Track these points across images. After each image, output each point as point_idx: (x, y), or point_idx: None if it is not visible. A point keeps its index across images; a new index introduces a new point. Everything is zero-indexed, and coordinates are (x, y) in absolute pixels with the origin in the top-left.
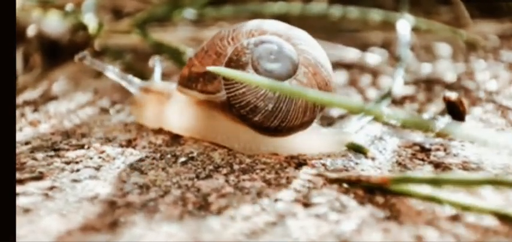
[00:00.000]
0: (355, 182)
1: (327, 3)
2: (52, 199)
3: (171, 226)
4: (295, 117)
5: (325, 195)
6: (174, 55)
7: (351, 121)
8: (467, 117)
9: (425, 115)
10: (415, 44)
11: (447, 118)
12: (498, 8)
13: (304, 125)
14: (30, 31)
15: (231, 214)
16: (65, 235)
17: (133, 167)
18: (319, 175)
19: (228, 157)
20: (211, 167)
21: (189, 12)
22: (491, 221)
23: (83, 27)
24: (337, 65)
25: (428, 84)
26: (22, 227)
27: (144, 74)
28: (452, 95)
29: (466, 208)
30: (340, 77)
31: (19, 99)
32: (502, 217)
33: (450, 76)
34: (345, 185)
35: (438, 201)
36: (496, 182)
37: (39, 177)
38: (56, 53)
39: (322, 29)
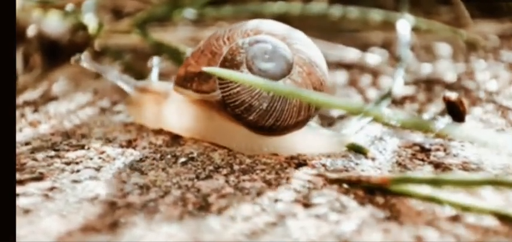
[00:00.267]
0: (355, 183)
1: (327, 3)
2: (52, 200)
3: (171, 227)
4: (289, 116)
5: (325, 195)
6: (174, 55)
7: (351, 122)
8: (467, 117)
9: (426, 116)
10: (415, 44)
11: (447, 119)
12: (498, 8)
13: (299, 124)
14: (30, 31)
15: (231, 215)
16: (65, 235)
17: (133, 167)
18: (319, 175)
19: (228, 157)
20: (211, 167)
21: (189, 12)
22: (491, 222)
23: (83, 27)
24: (337, 65)
25: (429, 84)
26: (22, 227)
27: (144, 74)
28: (453, 95)
29: (466, 209)
30: (340, 77)
31: (19, 100)
32: (502, 218)
33: (450, 77)
34: (345, 185)
35: (438, 201)
36: (496, 183)
37: (39, 178)
38: (56, 53)
39: (322, 29)
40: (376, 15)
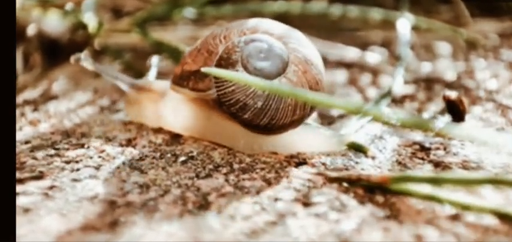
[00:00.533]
0: (355, 182)
1: (327, 2)
2: (52, 199)
3: (171, 226)
4: (285, 115)
5: (325, 194)
6: (174, 54)
7: (351, 121)
8: (467, 116)
9: (426, 114)
10: (415, 43)
11: (447, 117)
12: (498, 7)
13: (294, 123)
14: (30, 30)
15: (231, 214)
16: (65, 234)
17: (133, 166)
18: (319, 174)
19: (227, 156)
20: (211, 166)
21: (189, 11)
22: (491, 221)
23: (83, 27)
24: (337, 64)
25: (428, 83)
26: (22, 226)
27: (144, 73)
28: (452, 94)
29: (466, 207)
30: (340, 76)
31: (19, 99)
32: (502, 216)
33: (450, 75)
34: (345, 184)
35: (438, 200)
36: (496, 182)
37: (39, 176)
38: (55, 52)
39: (322, 28)
40: (376, 14)
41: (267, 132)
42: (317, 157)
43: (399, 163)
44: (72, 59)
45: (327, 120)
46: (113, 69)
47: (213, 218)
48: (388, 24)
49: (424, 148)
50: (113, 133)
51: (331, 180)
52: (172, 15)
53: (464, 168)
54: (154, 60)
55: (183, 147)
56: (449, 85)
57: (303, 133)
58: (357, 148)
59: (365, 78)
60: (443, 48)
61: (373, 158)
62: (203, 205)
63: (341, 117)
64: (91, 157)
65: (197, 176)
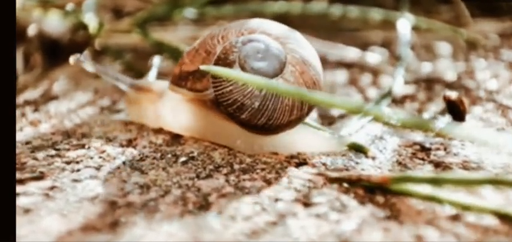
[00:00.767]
0: (355, 182)
1: (327, 3)
2: (52, 199)
3: (171, 226)
4: (282, 115)
5: (326, 195)
6: (174, 54)
7: (352, 121)
8: (467, 116)
9: (426, 115)
10: (415, 43)
11: (447, 118)
12: (498, 7)
13: (292, 123)
14: (31, 31)
15: (231, 214)
16: (65, 235)
17: (133, 167)
18: (319, 174)
19: (228, 156)
20: (211, 167)
21: (190, 12)
22: (491, 221)
23: (84, 27)
24: (337, 64)
25: (429, 83)
26: (22, 227)
27: (144, 73)
28: (453, 94)
29: (466, 208)
30: (341, 76)
31: (19, 99)
32: (502, 217)
33: (450, 76)
34: (345, 184)
35: (438, 201)
36: (496, 182)
37: (40, 177)
38: (56, 52)
39: (323, 28)
40: (376, 14)
41: (265, 132)
42: (317, 157)
43: (399, 163)
44: (71, 59)
45: (328, 120)
46: (112, 69)
47: (214, 219)
48: (389, 25)
49: (424, 149)
50: (114, 133)
51: (332, 180)
52: (173, 16)
53: (465, 168)
54: (156, 61)
55: (184, 147)
56: (450, 86)
57: (303, 134)
58: (358, 149)
59: (365, 78)
60: (444, 48)
61: (373, 158)
62: (204, 206)
63: (341, 117)
64: (91, 158)
65: (198, 176)
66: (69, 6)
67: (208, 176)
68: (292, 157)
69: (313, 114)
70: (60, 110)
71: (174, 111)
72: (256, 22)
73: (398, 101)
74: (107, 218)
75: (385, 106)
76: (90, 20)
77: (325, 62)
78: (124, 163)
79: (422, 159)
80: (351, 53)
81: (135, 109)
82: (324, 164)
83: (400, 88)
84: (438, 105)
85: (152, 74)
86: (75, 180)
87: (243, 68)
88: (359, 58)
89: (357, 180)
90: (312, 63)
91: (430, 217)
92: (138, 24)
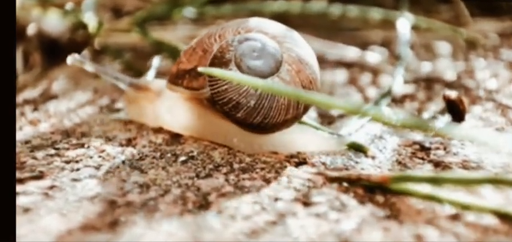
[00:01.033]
0: (355, 181)
1: (327, 2)
2: (52, 199)
3: (171, 225)
4: (278, 114)
5: (325, 194)
6: (174, 54)
7: (351, 120)
8: (467, 116)
9: (426, 114)
10: (415, 43)
11: (447, 117)
12: (498, 7)
13: (288, 122)
14: (30, 30)
15: (231, 213)
16: (65, 234)
17: (133, 166)
18: (319, 174)
19: (228, 156)
20: (211, 166)
21: (189, 11)
22: (491, 220)
23: (83, 26)
24: (337, 64)
25: (428, 82)
26: (22, 226)
27: (144, 73)
28: (452, 94)
29: (466, 207)
30: (340, 76)
31: (19, 98)
32: (502, 216)
33: (450, 75)
34: (345, 184)
35: (438, 200)
36: (496, 181)
37: (39, 176)
38: (55, 51)
39: (322, 27)
40: (375, 13)
41: (260, 130)
42: (317, 156)
43: (399, 163)
44: (69, 59)
45: (327, 119)
46: (110, 68)
47: (213, 218)
48: (388, 24)
49: (424, 148)
50: (113, 132)
51: (331, 180)
52: (172, 15)
53: (464, 167)
54: (155, 62)
55: (183, 146)
56: (449, 85)
57: (303, 133)
58: (357, 148)
59: (365, 78)
60: (443, 47)
61: (373, 158)
62: (203, 205)
63: (341, 116)
64: (91, 157)
65: (197, 176)
66: (69, 6)
67: (208, 175)
68: (291, 156)
69: (313, 114)
70: (59, 109)
71: (171, 109)
72: (253, 21)
73: (398, 100)
74: (106, 217)
75: (385, 106)
76: (90, 19)
77: (324, 61)
78: (123, 162)
79: (422, 159)
80: (351, 53)
81: (134, 108)
82: (323, 163)
83: (400, 87)
84: (438, 104)
85: (151, 74)
86: (75, 179)
87: (239, 67)
88: (359, 57)
89: (357, 180)
90: (309, 62)
91: (430, 216)
92: (137, 23)
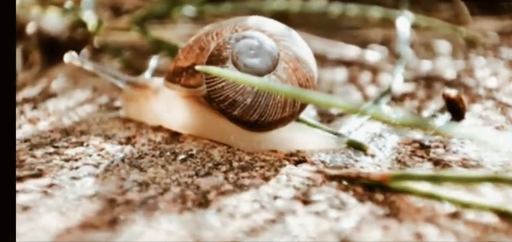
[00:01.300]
0: (354, 180)
1: (327, 1)
2: (51, 197)
3: (170, 224)
4: (274, 112)
5: (325, 192)
6: (173, 52)
7: (351, 119)
8: (466, 114)
9: (425, 113)
10: (414, 41)
11: (447, 116)
12: (498, 5)
13: (284, 120)
14: (30, 28)
15: (230, 212)
16: (64, 232)
17: (132, 164)
18: (318, 172)
19: (227, 154)
20: (210, 164)
21: (189, 10)
22: (491, 219)
23: (82, 25)
24: (336, 62)
25: (428, 81)
26: (21, 224)
27: (143, 71)
28: (452, 92)
29: (465, 205)
30: (340, 74)
31: (18, 97)
32: (502, 214)
33: (450, 74)
34: (345, 182)
35: (438, 198)
36: (495, 180)
37: (39, 175)
38: (55, 50)
39: (322, 26)
40: (375, 12)
41: (257, 128)
42: (316, 155)
43: (399, 161)
44: (66, 58)
45: (327, 118)
46: (107, 66)
47: (213, 216)
48: (388, 23)
49: (423, 146)
50: (112, 131)
51: (331, 178)
52: (172, 13)
53: (464, 166)
54: (153, 62)
55: (183, 145)
56: (449, 84)
57: (302, 131)
58: (357, 146)
59: (365, 76)
60: (443, 46)
61: (372, 156)
62: (203, 203)
63: (341, 115)
64: (90, 155)
65: (197, 174)
66: (68, 4)
67: (207, 174)
68: (291, 154)
69: (312, 112)
70: (58, 108)
71: (169, 107)
72: (251, 19)
73: (398, 99)
74: (105, 216)
75: (385, 104)
76: (89, 18)
77: (324, 60)
78: (123, 160)
79: (422, 157)
80: (351, 51)
81: (131, 106)
82: (323, 162)
83: (400, 86)
84: (437, 103)
85: (148, 73)
86: (74, 178)
87: (235, 64)
88: (358, 56)
89: (356, 178)
90: (306, 60)
91: (430, 214)
92: (136, 22)
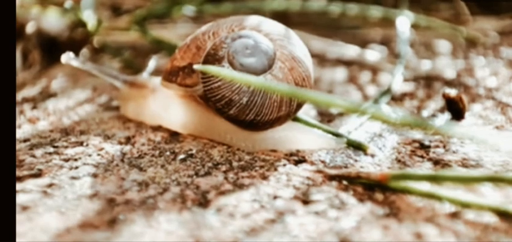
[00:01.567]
0: (354, 179)
1: (327, 0)
2: (51, 197)
3: (170, 223)
4: (270, 111)
5: (325, 192)
6: (173, 52)
7: (351, 118)
8: (466, 114)
9: (425, 112)
10: (414, 41)
11: (447, 115)
12: (498, 5)
13: (281, 119)
14: (30, 28)
15: (230, 211)
16: (63, 232)
17: (132, 164)
18: (318, 172)
19: (227, 154)
20: (210, 164)
21: (188, 9)
22: (490, 218)
23: (82, 24)
24: (336, 62)
25: (428, 80)
26: (21, 224)
27: (143, 71)
28: (452, 92)
29: (465, 205)
30: (340, 74)
31: (18, 96)
32: (502, 214)
33: (450, 73)
34: (344, 182)
35: (438, 198)
36: (495, 180)
37: (38, 174)
38: (55, 50)
39: (322, 25)
40: (375, 12)
41: (253, 128)
42: (316, 154)
43: (399, 161)
44: (63, 58)
45: (327, 117)
46: (104, 66)
47: (212, 216)
48: (388, 22)
49: (423, 146)
50: (112, 131)
51: (331, 178)
52: (172, 13)
53: (464, 165)
54: (152, 63)
55: (182, 145)
56: (449, 83)
57: (302, 131)
58: (357, 146)
59: (364, 76)
60: (443, 46)
61: (372, 156)
62: (202, 203)
63: (340, 114)
64: (90, 155)
65: (196, 174)
66: (68, 4)
67: (207, 173)
68: (291, 154)
69: (312, 112)
70: (58, 108)
71: (165, 106)
72: (248, 19)
73: (398, 99)
74: (105, 215)
75: (385, 104)
76: (89, 18)
77: (324, 60)
78: (122, 160)
79: (422, 157)
80: (351, 51)
81: (129, 105)
82: (322, 161)
83: (400, 85)
84: (437, 102)
85: (147, 71)
86: (74, 177)
87: (231, 64)
88: (358, 55)
89: (356, 177)
90: (302, 59)
91: (430, 214)
92: (136, 21)
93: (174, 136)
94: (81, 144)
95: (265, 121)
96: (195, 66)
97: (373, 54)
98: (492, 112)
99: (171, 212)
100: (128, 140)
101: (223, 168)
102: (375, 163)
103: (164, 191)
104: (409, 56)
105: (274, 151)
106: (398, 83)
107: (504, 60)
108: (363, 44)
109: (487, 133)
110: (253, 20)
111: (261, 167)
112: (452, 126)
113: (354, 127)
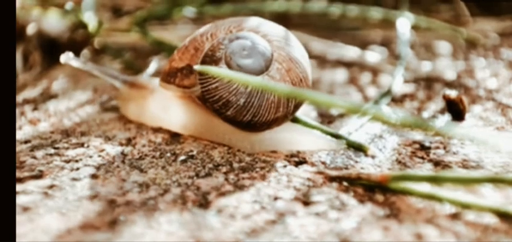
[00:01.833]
0: (355, 180)
1: (327, 2)
2: (52, 198)
3: (171, 225)
4: (267, 112)
5: (325, 193)
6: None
7: (351, 120)
8: (467, 115)
9: (425, 113)
10: (415, 42)
11: (447, 116)
12: (498, 6)
13: (278, 120)
14: (30, 29)
15: (230, 213)
16: (64, 233)
17: (133, 165)
18: (319, 173)
19: (227, 155)
20: (210, 165)
21: (189, 11)
22: (491, 219)
23: (83, 26)
24: (337, 63)
25: (428, 82)
26: (22, 225)
27: (143, 72)
28: (452, 93)
29: (465, 206)
30: (340, 75)
31: (19, 98)
32: (502, 215)
33: (450, 75)
34: (345, 183)
35: (438, 199)
36: (495, 181)
37: (39, 176)
38: (55, 51)
39: (322, 27)
40: (375, 13)
41: (251, 129)
42: (317, 156)
43: (399, 162)
44: (62, 58)
45: (327, 118)
46: (104, 67)
47: (213, 217)
48: (388, 24)
49: (424, 147)
50: (113, 132)
51: (331, 179)
52: (172, 15)
53: (464, 167)
54: (153, 65)
55: (183, 146)
56: (449, 85)
57: (302, 132)
58: (357, 147)
59: (365, 77)
60: (443, 47)
61: (373, 157)
62: (203, 204)
63: (341, 116)
64: (91, 157)
65: (197, 175)
66: (68, 5)
67: (208, 174)
68: (291, 155)
69: (313, 113)
70: (59, 109)
71: (164, 107)
72: (247, 20)
73: (398, 100)
74: (106, 216)
75: (385, 105)
76: (90, 19)
77: (324, 61)
78: (123, 161)
79: (422, 158)
80: (351, 52)
81: (128, 106)
82: (323, 162)
83: (400, 87)
84: (438, 103)
85: (148, 72)
86: (74, 179)
87: (228, 65)
88: (359, 57)
89: (357, 179)
90: (299, 60)
91: (430, 215)
92: (137, 23)
93: (174, 137)
94: (82, 145)
95: (262, 122)
96: (195, 67)
97: (374, 55)
98: (492, 113)
99: (172, 213)
100: (129, 141)
101: (224, 169)
102: (375, 164)
103: (165, 192)
104: (409, 57)
105: (274, 152)
106: (399, 84)
107: (504, 61)
108: (363, 45)
109: (487, 135)
110: (252, 21)
111: (262, 168)
112: (453, 127)
113: (355, 129)
